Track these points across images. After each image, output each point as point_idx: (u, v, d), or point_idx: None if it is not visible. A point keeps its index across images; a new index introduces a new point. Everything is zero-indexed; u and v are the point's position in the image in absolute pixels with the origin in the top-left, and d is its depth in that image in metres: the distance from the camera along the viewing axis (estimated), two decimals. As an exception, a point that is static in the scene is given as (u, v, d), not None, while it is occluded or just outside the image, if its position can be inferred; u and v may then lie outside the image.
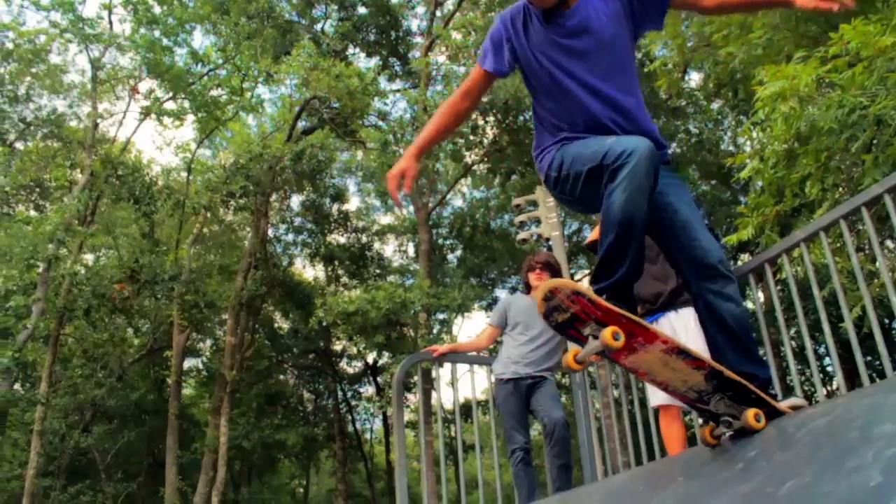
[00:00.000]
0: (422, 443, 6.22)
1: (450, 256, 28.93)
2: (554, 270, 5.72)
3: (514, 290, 27.85)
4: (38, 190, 24.95)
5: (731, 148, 22.59)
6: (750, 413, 2.31)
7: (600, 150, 2.54)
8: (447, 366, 5.83)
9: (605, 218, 2.49)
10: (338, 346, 30.80)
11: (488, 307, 27.52)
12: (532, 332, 5.48)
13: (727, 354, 2.53)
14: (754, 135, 7.91)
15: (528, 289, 5.75)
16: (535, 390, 5.56)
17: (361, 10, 24.40)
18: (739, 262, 22.70)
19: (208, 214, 23.94)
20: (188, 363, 28.98)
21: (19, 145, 24.77)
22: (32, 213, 23.82)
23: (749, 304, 18.30)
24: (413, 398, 27.68)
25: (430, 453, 6.02)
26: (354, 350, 31.14)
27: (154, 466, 28.23)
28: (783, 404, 2.46)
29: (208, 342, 30.79)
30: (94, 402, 25.32)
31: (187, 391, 29.97)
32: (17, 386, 19.72)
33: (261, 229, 24.21)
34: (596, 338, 2.23)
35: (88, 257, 25.34)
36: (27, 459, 20.21)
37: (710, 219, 22.94)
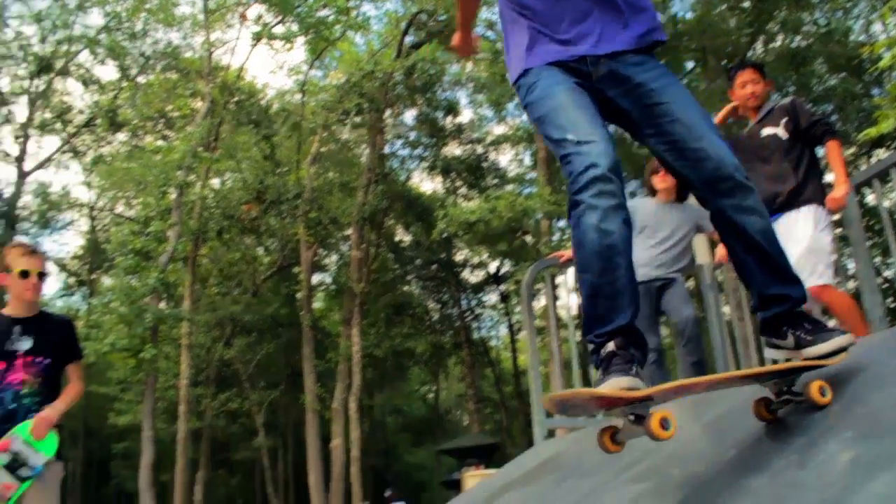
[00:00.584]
0: (553, 348, 6.34)
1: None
2: None
3: (632, 194, 27.31)
4: (162, 121, 25.91)
5: (863, 37, 21.06)
6: (814, 387, 1.99)
7: (561, 142, 2.19)
8: (571, 271, 5.85)
9: (577, 252, 2.11)
10: (459, 257, 31.24)
11: (609, 212, 27.14)
12: (661, 234, 5.44)
13: (756, 276, 2.24)
14: (894, 21, 7.36)
15: (652, 192, 5.68)
16: (665, 291, 5.56)
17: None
18: (874, 159, 21.42)
19: (325, 134, 24.35)
20: (316, 278, 30.05)
21: (141, 79, 25.70)
22: (160, 143, 24.82)
23: (887, 203, 17.38)
24: (539, 304, 27.91)
25: (560, 358, 6.16)
26: (476, 260, 31.53)
27: (293, 376, 29.74)
28: (819, 350, 2.13)
29: (334, 257, 31.76)
30: (233, 318, 26.80)
31: (317, 305, 31.16)
32: (162, 304, 20.99)
33: (377, 145, 24.50)
34: (636, 420, 1.90)
35: (215, 182, 26.33)
36: (178, 372, 21.75)
37: (839, 113, 21.63)
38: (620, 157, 2.17)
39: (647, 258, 5.53)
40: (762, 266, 2.22)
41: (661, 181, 5.59)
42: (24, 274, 3.85)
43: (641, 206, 5.70)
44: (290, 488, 33.66)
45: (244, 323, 28.39)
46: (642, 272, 5.54)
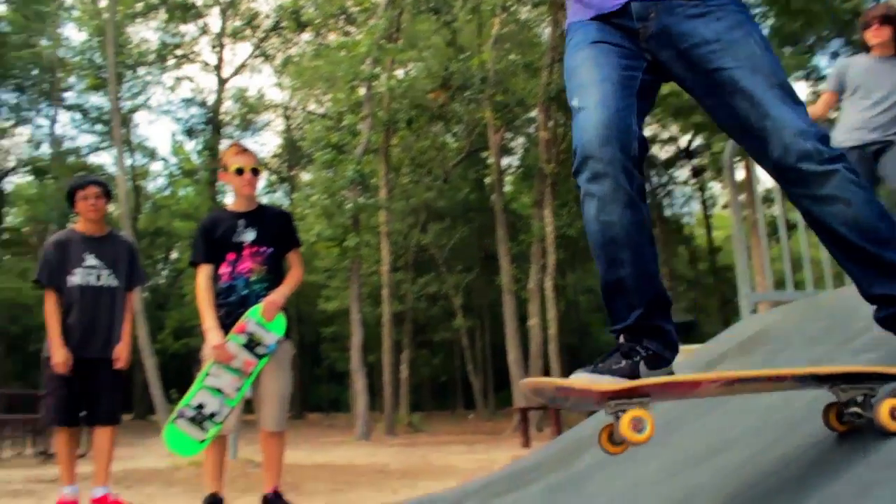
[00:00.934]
0: (760, 220, 6.14)
1: (761, 26, 26.54)
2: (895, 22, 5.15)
3: (835, 55, 25.14)
4: (343, 17, 26.37)
5: None
6: (883, 408, 1.58)
7: (571, 107, 1.96)
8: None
9: (588, 240, 1.94)
10: (648, 132, 30.28)
11: (807, 77, 25.21)
12: (877, 94, 5.03)
13: (854, 273, 1.84)
14: None
15: (866, 48, 5.24)
16: (882, 156, 5.19)
17: None
18: None
19: (505, 15, 23.92)
20: (505, 161, 30.16)
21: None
22: (344, 39, 25.36)
23: None
24: (739, 177, 26.78)
25: (764, 231, 5.94)
26: (666, 135, 30.43)
27: (486, 259, 30.47)
28: None
29: (521, 140, 31.70)
30: (426, 205, 27.62)
31: (507, 188, 31.41)
32: (360, 198, 21.92)
33: (559, 22, 23.82)
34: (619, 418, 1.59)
35: (399, 73, 26.72)
36: (379, 258, 22.86)
37: None
38: (627, 122, 1.87)
39: (860, 121, 5.15)
40: (857, 262, 1.83)
41: (875, 35, 5.13)
42: (239, 171, 4.20)
43: (853, 65, 5.27)
44: (489, 366, 35.04)
45: (437, 209, 29.22)
46: (856, 136, 5.18)
